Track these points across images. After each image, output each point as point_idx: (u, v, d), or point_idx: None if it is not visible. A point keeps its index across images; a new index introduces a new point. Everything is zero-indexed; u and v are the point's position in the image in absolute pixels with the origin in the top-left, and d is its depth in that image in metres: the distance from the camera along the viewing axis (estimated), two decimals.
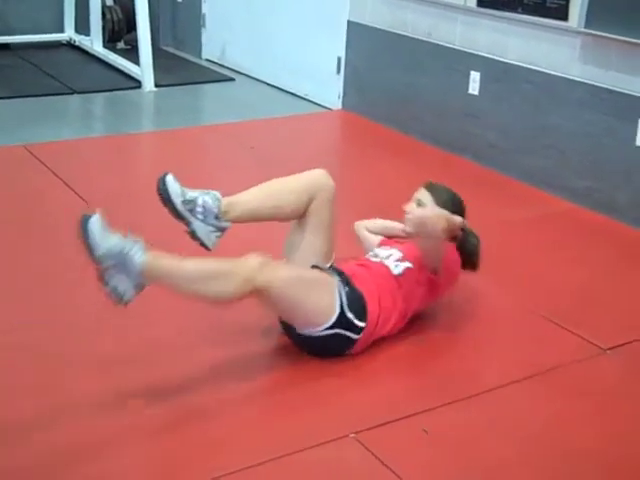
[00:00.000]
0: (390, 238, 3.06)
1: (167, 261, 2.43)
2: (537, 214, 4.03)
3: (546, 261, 3.52)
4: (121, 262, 2.35)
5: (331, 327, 2.60)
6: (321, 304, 2.59)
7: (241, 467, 2.20)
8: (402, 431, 2.39)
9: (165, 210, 2.65)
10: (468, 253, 2.92)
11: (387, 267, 2.80)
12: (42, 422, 2.33)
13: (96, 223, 2.38)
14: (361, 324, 2.65)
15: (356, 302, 2.64)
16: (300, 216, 2.79)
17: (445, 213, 2.77)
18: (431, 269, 2.80)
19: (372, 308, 2.68)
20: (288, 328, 2.71)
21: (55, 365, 2.61)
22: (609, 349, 2.86)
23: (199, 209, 2.60)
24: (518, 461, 2.32)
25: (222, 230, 2.66)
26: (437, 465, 2.29)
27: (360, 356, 2.70)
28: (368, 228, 3.15)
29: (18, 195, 3.98)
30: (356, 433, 2.35)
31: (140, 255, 2.36)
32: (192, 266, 2.44)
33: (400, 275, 2.78)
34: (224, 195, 2.72)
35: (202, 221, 2.61)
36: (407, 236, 2.92)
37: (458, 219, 2.83)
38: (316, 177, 2.81)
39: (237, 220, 2.69)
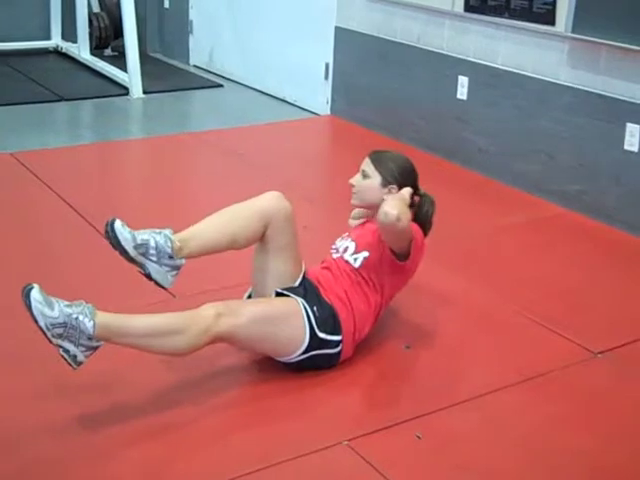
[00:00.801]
0: (356, 227, 2.95)
1: (118, 322, 2.38)
2: (527, 218, 4.03)
3: (536, 265, 3.52)
4: (71, 328, 2.28)
5: (305, 352, 2.58)
6: (289, 336, 2.56)
7: (233, 476, 2.19)
8: (395, 437, 2.38)
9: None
10: (422, 221, 2.80)
11: (347, 262, 2.74)
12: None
13: (39, 293, 2.29)
14: (336, 338, 2.62)
15: (327, 319, 2.61)
16: (259, 241, 2.71)
17: (397, 199, 2.57)
18: (400, 254, 2.67)
19: (345, 316, 2.64)
20: None
21: (41, 373, 2.59)
22: (600, 353, 2.87)
23: (152, 251, 2.52)
24: (510, 465, 2.31)
25: (177, 268, 2.59)
26: (430, 471, 2.28)
27: (350, 363, 2.70)
28: (353, 216, 3.05)
29: (5, 203, 3.96)
30: (349, 440, 2.34)
31: (90, 319, 2.30)
32: (144, 324, 2.41)
33: (361, 267, 2.70)
34: (204, 209, 2.69)
35: (156, 262, 2.53)
36: (356, 206, 2.85)
37: (406, 193, 2.68)
38: (269, 202, 2.69)
39: (191, 256, 2.61)
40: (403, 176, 2.78)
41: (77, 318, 2.28)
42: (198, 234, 2.63)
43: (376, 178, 2.77)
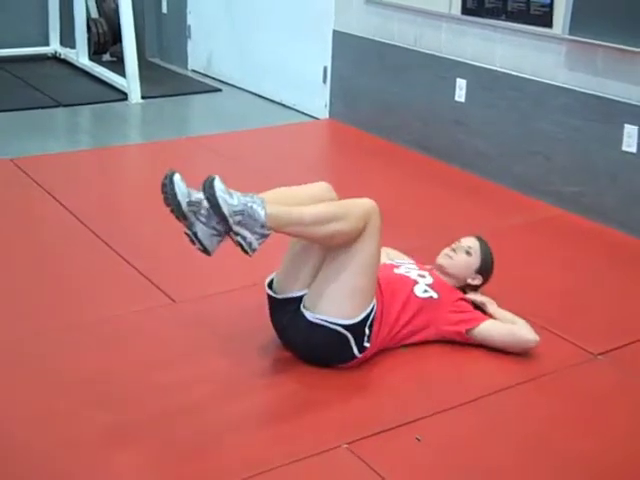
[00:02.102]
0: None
1: (286, 212, 2.51)
2: (525, 220, 4.04)
3: (535, 267, 3.53)
4: (248, 216, 2.42)
5: (347, 327, 2.61)
6: (361, 298, 2.62)
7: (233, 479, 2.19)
8: (395, 440, 2.39)
9: (164, 211, 2.54)
10: (486, 274, 3.06)
11: (415, 284, 2.85)
12: (29, 426, 2.32)
13: (220, 183, 2.43)
14: (367, 344, 2.67)
15: (372, 325, 2.67)
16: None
17: (530, 327, 2.87)
18: (474, 338, 2.86)
19: (376, 329, 2.70)
20: (299, 318, 2.65)
21: (41, 378, 2.59)
22: (600, 354, 2.87)
23: (204, 212, 2.49)
24: (512, 467, 2.32)
25: (222, 235, 2.52)
26: (431, 473, 2.28)
27: (349, 367, 2.69)
28: (389, 255, 3.14)
29: (5, 208, 3.96)
30: (348, 443, 2.34)
31: (262, 208, 2.44)
32: (312, 212, 2.54)
33: (422, 300, 2.82)
34: None
35: (204, 224, 2.49)
36: (443, 266, 2.99)
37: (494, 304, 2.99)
38: (320, 191, 2.79)
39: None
40: (489, 272, 3.05)
41: (252, 207, 2.43)
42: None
43: (476, 262, 3.00)
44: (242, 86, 6.46)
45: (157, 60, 7.34)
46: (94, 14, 7.15)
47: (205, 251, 2.52)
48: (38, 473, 2.20)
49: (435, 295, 2.86)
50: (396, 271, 2.92)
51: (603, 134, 3.95)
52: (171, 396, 2.54)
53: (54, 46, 7.14)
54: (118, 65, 6.43)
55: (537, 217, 4.09)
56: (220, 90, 6.47)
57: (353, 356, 2.67)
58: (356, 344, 2.64)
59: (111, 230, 3.70)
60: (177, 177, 2.50)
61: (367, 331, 2.65)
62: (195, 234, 2.53)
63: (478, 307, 2.97)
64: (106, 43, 7.04)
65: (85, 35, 6.83)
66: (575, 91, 4.05)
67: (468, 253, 3.00)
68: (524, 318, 2.90)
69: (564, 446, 2.40)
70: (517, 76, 4.35)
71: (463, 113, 4.67)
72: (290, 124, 5.64)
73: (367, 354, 2.70)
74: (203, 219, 2.52)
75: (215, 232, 2.53)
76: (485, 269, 3.02)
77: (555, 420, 2.53)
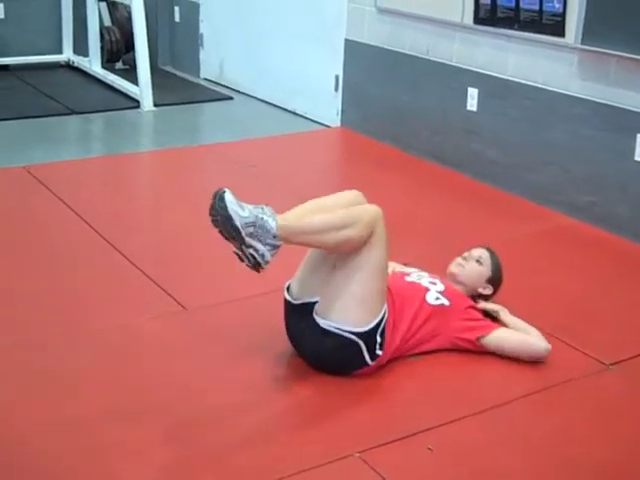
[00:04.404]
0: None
1: (295, 222, 2.54)
2: (537, 230, 4.03)
3: (547, 276, 3.52)
4: (259, 227, 2.43)
5: (358, 335, 2.61)
6: (372, 303, 2.63)
7: None
8: (407, 449, 2.38)
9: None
10: (497, 286, 3.09)
11: (426, 291, 2.85)
12: (44, 435, 2.33)
13: (230, 196, 2.44)
14: (379, 352, 2.67)
15: (384, 332, 2.67)
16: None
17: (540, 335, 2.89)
18: (485, 347, 2.85)
19: (389, 338, 2.70)
20: (311, 325, 2.64)
21: (54, 386, 2.60)
22: (612, 364, 2.86)
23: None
24: (524, 477, 2.31)
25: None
26: None
27: (361, 375, 2.69)
28: (394, 266, 3.11)
29: (18, 216, 3.98)
30: (360, 452, 2.34)
31: (273, 219, 2.46)
32: (317, 222, 2.56)
33: (434, 307, 2.82)
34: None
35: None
36: (455, 275, 3.02)
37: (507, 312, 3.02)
38: (353, 198, 2.82)
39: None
40: (499, 282, 3.07)
41: (262, 218, 2.45)
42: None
43: (487, 271, 3.03)
44: (254, 94, 6.47)
45: (169, 68, 7.37)
46: (107, 22, 7.19)
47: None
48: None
49: (447, 302, 2.86)
50: (407, 279, 2.92)
51: (615, 144, 3.94)
52: (184, 405, 2.54)
53: (67, 54, 7.18)
54: (131, 73, 6.46)
55: (549, 226, 4.08)
56: (232, 98, 6.49)
57: (365, 364, 2.66)
58: (368, 352, 2.64)
59: (123, 237, 3.71)
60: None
61: (379, 339, 2.65)
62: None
63: (489, 315, 2.97)
64: (119, 51, 7.08)
65: (98, 43, 6.87)
66: (587, 101, 4.05)
67: (479, 262, 3.02)
68: (535, 326, 2.90)
69: (576, 456, 2.39)
70: (529, 85, 4.34)
71: (475, 122, 4.67)
72: (302, 132, 5.65)
73: (379, 362, 2.70)
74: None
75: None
76: (495, 279, 3.05)
77: (567, 430, 2.52)
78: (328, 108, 5.73)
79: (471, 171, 4.67)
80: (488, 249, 3.09)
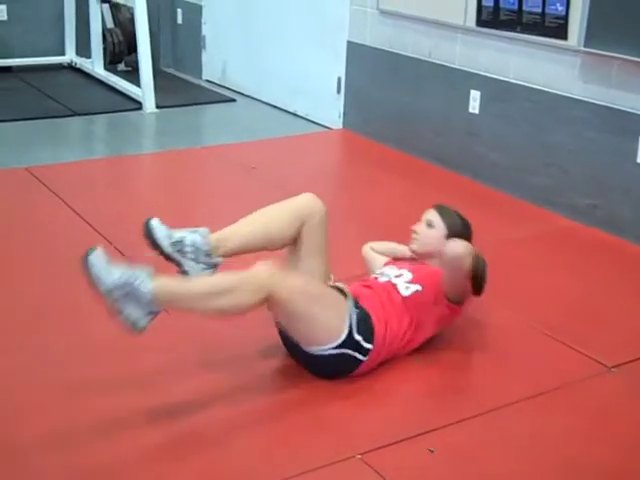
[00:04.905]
0: (396, 260, 3.05)
1: (176, 284, 2.43)
2: (539, 232, 4.03)
3: (549, 279, 3.52)
4: (130, 292, 2.32)
5: (338, 347, 2.58)
6: (331, 322, 2.58)
7: None
8: (408, 451, 2.38)
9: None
10: (477, 278, 2.82)
11: (395, 287, 2.79)
12: (54, 443, 2.33)
13: (99, 257, 2.35)
14: (368, 345, 2.63)
15: (364, 323, 2.63)
16: (293, 242, 2.78)
17: (470, 247, 2.70)
18: (453, 300, 2.78)
19: (379, 329, 2.67)
20: (293, 347, 2.69)
21: (56, 387, 2.60)
22: (614, 367, 2.86)
23: (188, 249, 2.57)
24: (524, 479, 2.32)
25: (215, 267, 2.63)
26: None
27: (363, 377, 2.69)
28: (374, 248, 3.14)
29: (21, 218, 3.99)
30: (362, 454, 2.34)
31: (147, 283, 2.34)
32: (202, 285, 2.44)
33: (408, 297, 2.76)
34: (217, 223, 2.72)
35: (193, 260, 2.57)
36: (415, 257, 2.93)
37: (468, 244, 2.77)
38: (305, 202, 2.79)
39: (228, 255, 2.67)
40: (465, 232, 2.91)
41: (135, 282, 2.32)
42: (234, 235, 2.69)
43: (441, 230, 2.89)
44: (256, 96, 6.48)
45: (172, 70, 7.38)
46: (110, 24, 7.20)
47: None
48: None
49: (419, 287, 2.78)
50: (380, 280, 2.86)
51: (617, 146, 3.95)
52: (183, 407, 2.54)
53: (70, 56, 7.19)
54: (133, 75, 6.47)
55: (550, 229, 4.08)
56: (234, 100, 6.50)
57: (360, 361, 2.64)
58: (357, 351, 2.61)
59: (125, 238, 3.71)
60: (154, 221, 2.53)
61: (358, 337, 2.60)
62: (186, 272, 2.57)
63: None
64: (121, 53, 7.08)
65: (101, 45, 6.88)
66: (590, 103, 4.05)
67: (430, 226, 2.91)
68: (537, 330, 2.89)
69: (577, 458, 2.39)
70: (531, 88, 4.34)
71: (477, 125, 4.67)
72: (304, 134, 5.65)
73: (376, 356, 2.67)
74: (191, 256, 2.54)
75: (205, 266, 2.56)
76: (456, 232, 2.88)
77: (568, 433, 2.52)
78: (330, 110, 5.73)
79: (473, 173, 4.67)
80: (435, 206, 2.96)
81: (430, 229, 2.91)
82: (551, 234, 4.02)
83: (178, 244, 2.56)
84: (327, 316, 2.57)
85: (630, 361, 2.90)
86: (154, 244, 2.56)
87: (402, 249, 3.04)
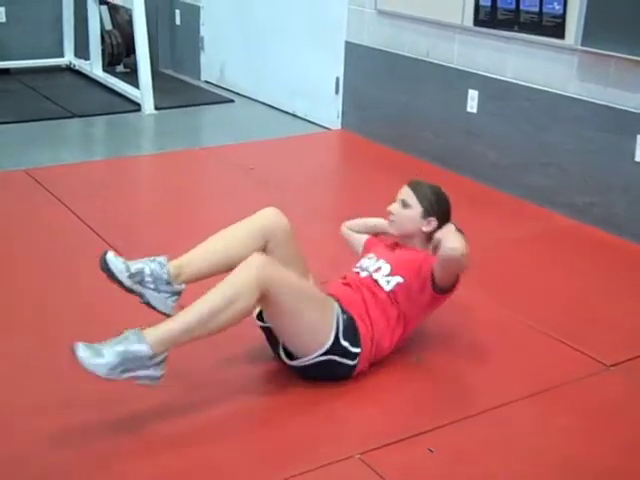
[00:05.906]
0: (376, 235, 3.00)
1: (170, 325, 2.37)
2: (537, 231, 4.03)
3: (547, 277, 3.52)
4: (129, 360, 2.28)
5: (324, 354, 2.56)
6: (316, 325, 2.55)
7: None
8: (407, 451, 2.38)
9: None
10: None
11: (376, 282, 2.74)
12: (54, 443, 2.33)
13: (83, 349, 2.26)
14: (356, 350, 2.62)
15: (350, 329, 2.61)
16: None
17: (455, 233, 2.59)
18: (441, 286, 2.70)
19: (364, 332, 2.64)
20: (280, 358, 2.68)
21: (56, 388, 2.60)
22: (612, 365, 2.86)
23: (148, 279, 2.53)
24: (524, 478, 2.31)
25: (177, 294, 2.59)
26: None
27: (362, 377, 2.69)
28: (350, 227, 3.09)
29: (19, 219, 3.99)
30: (361, 454, 2.34)
31: (141, 342, 2.29)
32: (195, 312, 2.38)
33: (392, 291, 2.72)
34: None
35: (154, 290, 2.54)
36: (394, 234, 2.87)
37: (453, 229, 2.65)
38: (266, 221, 2.72)
39: (190, 281, 2.61)
40: (442, 208, 2.82)
41: (129, 350, 2.27)
42: (194, 260, 2.64)
43: (417, 209, 2.80)
44: (255, 97, 6.49)
45: (170, 71, 7.38)
46: (108, 26, 7.20)
47: (164, 314, 2.52)
48: None
49: (400, 279, 2.73)
50: (361, 275, 2.81)
51: (615, 145, 3.95)
52: (181, 408, 2.54)
53: (68, 57, 7.19)
54: (131, 76, 6.47)
55: (549, 227, 4.09)
56: (233, 101, 6.50)
57: (351, 367, 2.63)
58: (345, 357, 2.60)
59: (125, 240, 3.71)
60: (110, 255, 2.50)
61: (345, 343, 2.58)
62: (148, 302, 2.55)
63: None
64: (120, 54, 7.09)
65: (99, 47, 6.88)
66: (587, 102, 4.05)
67: (405, 205, 2.81)
68: (536, 328, 2.90)
69: (576, 457, 2.39)
70: (529, 87, 4.35)
71: (475, 124, 4.68)
72: (302, 135, 5.65)
73: (366, 358, 2.66)
74: (151, 286, 2.52)
75: (167, 294, 2.54)
76: (432, 208, 2.80)
77: (569, 431, 2.52)
78: (328, 110, 5.73)
79: (471, 172, 4.68)
80: (409, 183, 2.85)
81: (405, 209, 2.81)
82: (549, 233, 4.02)
83: (137, 275, 2.52)
84: (314, 318, 2.54)
85: (629, 359, 2.90)
86: (113, 278, 2.51)
87: (381, 224, 2.95)
